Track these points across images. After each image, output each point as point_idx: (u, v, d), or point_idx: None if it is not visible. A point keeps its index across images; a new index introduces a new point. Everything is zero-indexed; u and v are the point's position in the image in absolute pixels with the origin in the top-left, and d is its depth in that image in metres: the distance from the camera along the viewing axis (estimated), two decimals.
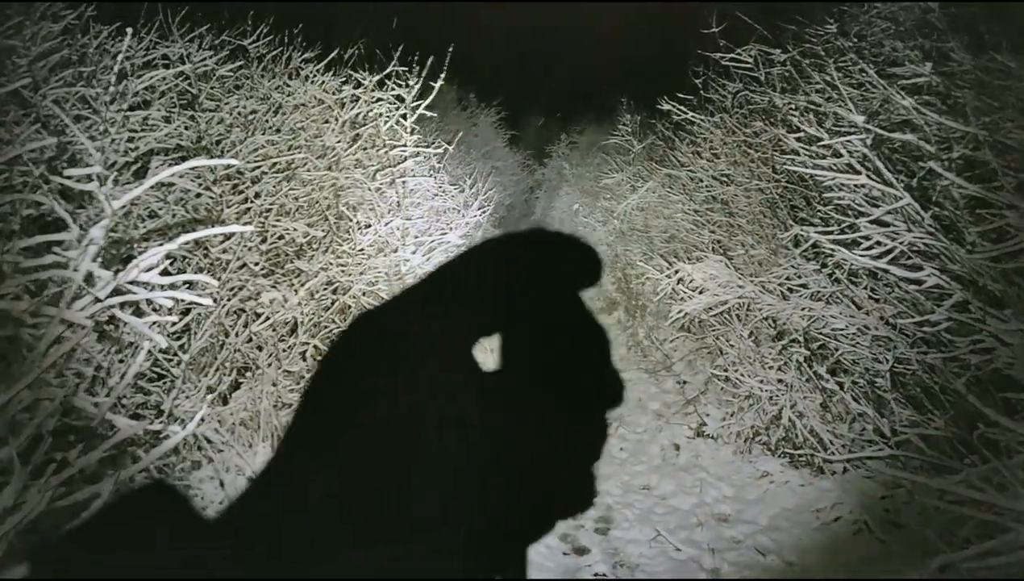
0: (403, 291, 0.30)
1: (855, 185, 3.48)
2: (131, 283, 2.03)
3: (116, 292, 2.02)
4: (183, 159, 4.09)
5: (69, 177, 2.12)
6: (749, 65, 5.36)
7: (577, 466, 0.30)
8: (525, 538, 0.30)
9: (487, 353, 0.30)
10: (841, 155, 3.56)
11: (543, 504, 0.30)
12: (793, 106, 4.46)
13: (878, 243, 3.45)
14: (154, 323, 2.50)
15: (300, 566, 0.26)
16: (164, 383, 3.75)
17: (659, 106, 6.57)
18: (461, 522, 0.28)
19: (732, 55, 5.42)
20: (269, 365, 4.25)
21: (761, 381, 4.62)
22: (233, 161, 2.46)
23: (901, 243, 3.26)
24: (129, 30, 2.41)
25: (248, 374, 4.35)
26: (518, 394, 0.29)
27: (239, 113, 4.89)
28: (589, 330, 0.30)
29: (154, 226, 3.89)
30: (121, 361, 3.34)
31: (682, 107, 6.25)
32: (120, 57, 2.56)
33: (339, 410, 0.29)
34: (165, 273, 2.40)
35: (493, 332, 0.30)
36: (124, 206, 2.33)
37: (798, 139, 4.17)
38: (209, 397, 3.50)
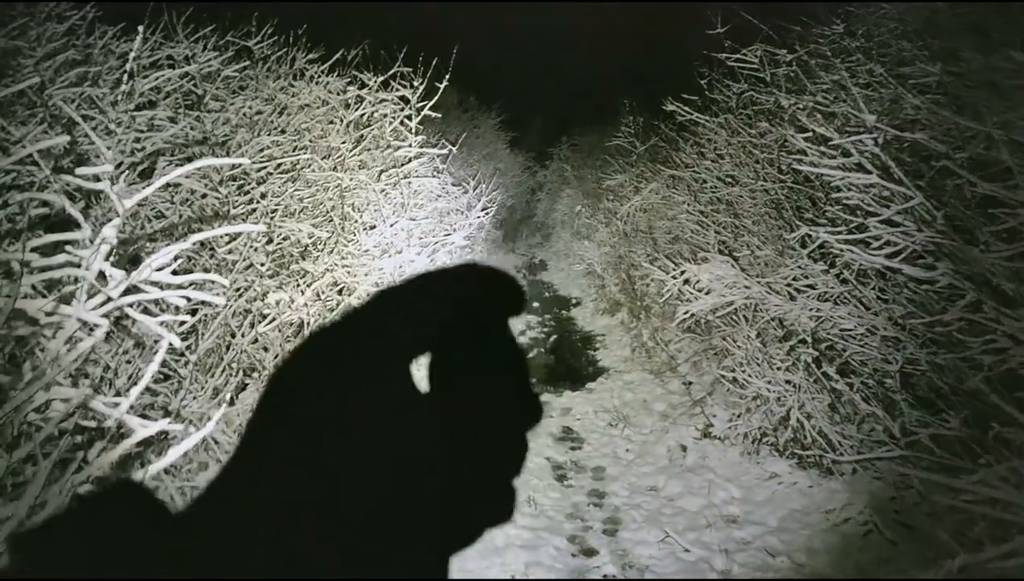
0: (349, 313, 0.33)
1: (865, 185, 3.47)
2: (144, 282, 2.01)
3: (128, 291, 2.00)
4: (188, 160, 4.08)
5: (80, 176, 2.10)
6: (755, 66, 5.35)
7: (499, 480, 0.33)
8: (450, 547, 0.32)
9: (421, 373, 0.33)
10: (851, 154, 3.55)
11: (468, 515, 0.33)
12: (800, 106, 4.45)
13: (888, 243, 3.43)
14: (163, 322, 2.48)
15: (239, 568, 0.28)
16: (171, 384, 3.74)
17: (663, 107, 6.55)
18: (389, 531, 0.30)
19: (737, 56, 5.42)
20: (275, 366, 4.23)
21: (769, 382, 4.60)
22: (242, 160, 2.44)
23: (913, 242, 3.24)
24: (140, 28, 2.39)
25: (254, 375, 4.33)
26: (447, 413, 0.33)
27: (244, 114, 4.87)
28: (512, 355, 0.34)
29: (160, 226, 3.88)
30: (128, 362, 3.32)
31: (686, 108, 6.24)
32: (131, 56, 2.54)
33: (283, 423, 0.31)
34: (173, 274, 2.38)
35: (426, 354, 0.33)
36: (133, 205, 2.31)
37: (806, 139, 4.16)
38: (217, 398, 3.48)
